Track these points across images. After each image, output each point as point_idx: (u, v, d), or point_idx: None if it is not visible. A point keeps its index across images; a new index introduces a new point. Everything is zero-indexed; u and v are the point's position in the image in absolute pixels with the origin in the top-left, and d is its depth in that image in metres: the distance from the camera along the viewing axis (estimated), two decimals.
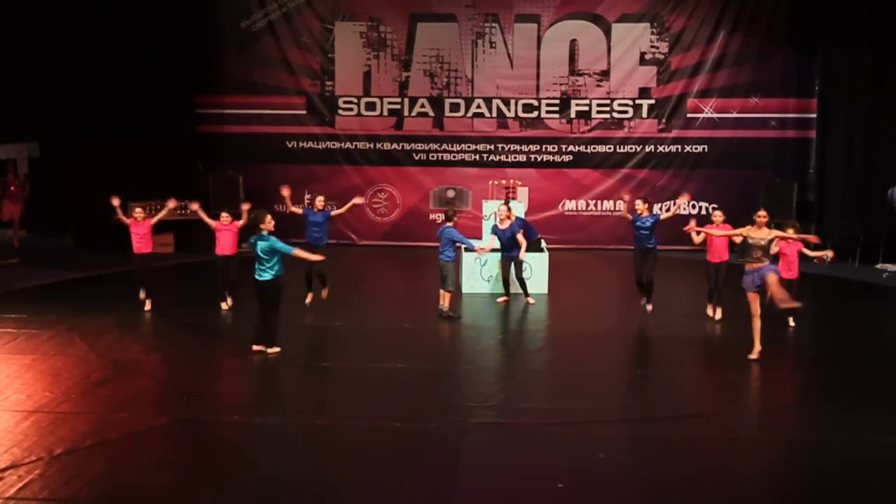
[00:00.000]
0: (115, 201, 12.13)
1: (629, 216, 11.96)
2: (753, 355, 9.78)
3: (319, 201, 12.40)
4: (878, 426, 7.99)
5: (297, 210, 12.36)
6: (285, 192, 12.19)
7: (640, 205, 11.83)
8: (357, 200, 12.86)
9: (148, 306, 12.03)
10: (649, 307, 11.94)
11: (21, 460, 6.98)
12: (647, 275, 11.78)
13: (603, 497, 6.69)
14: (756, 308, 9.74)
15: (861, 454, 7.37)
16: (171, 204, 12.24)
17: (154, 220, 12.27)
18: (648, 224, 11.67)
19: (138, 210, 12.30)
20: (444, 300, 11.84)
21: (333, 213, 12.54)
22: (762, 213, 9.85)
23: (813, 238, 10.75)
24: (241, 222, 11.85)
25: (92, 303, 12.35)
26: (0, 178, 17.29)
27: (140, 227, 12.05)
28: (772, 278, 9.56)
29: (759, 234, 9.73)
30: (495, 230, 12.50)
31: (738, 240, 11.24)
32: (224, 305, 12.10)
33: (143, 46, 16.27)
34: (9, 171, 17.41)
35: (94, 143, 16.24)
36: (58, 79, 16.25)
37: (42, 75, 16.31)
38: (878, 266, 15.67)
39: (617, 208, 17.22)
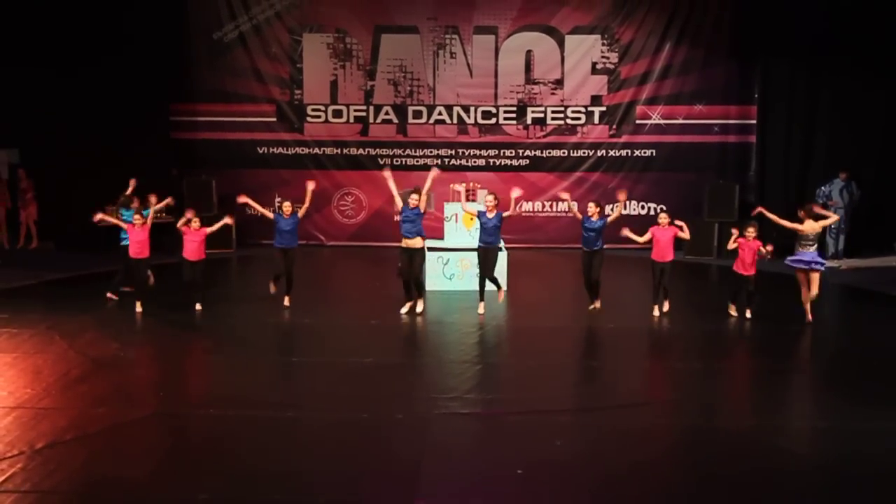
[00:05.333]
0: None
1: (580, 216, 12.08)
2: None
3: (287, 207, 12.33)
4: (826, 413, 8.24)
5: (269, 214, 12.38)
6: (242, 199, 12.43)
7: (591, 207, 11.94)
8: (310, 185, 12.43)
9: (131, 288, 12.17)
10: (597, 304, 12.11)
11: (3, 454, 7.03)
12: (595, 274, 11.94)
13: (560, 481, 6.82)
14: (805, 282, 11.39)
15: (811, 441, 7.65)
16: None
17: (149, 220, 12.04)
18: (597, 227, 11.82)
19: (137, 217, 11.95)
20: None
21: (301, 213, 12.36)
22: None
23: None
24: (209, 229, 12.10)
25: (71, 302, 12.37)
26: None
27: (138, 233, 11.85)
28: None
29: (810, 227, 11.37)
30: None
31: (684, 235, 11.94)
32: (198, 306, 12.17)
33: (120, 57, 16.62)
34: None
35: (72, 148, 16.51)
36: (36, 85, 16.41)
37: (20, 81, 16.38)
38: None
39: (571, 209, 17.82)
